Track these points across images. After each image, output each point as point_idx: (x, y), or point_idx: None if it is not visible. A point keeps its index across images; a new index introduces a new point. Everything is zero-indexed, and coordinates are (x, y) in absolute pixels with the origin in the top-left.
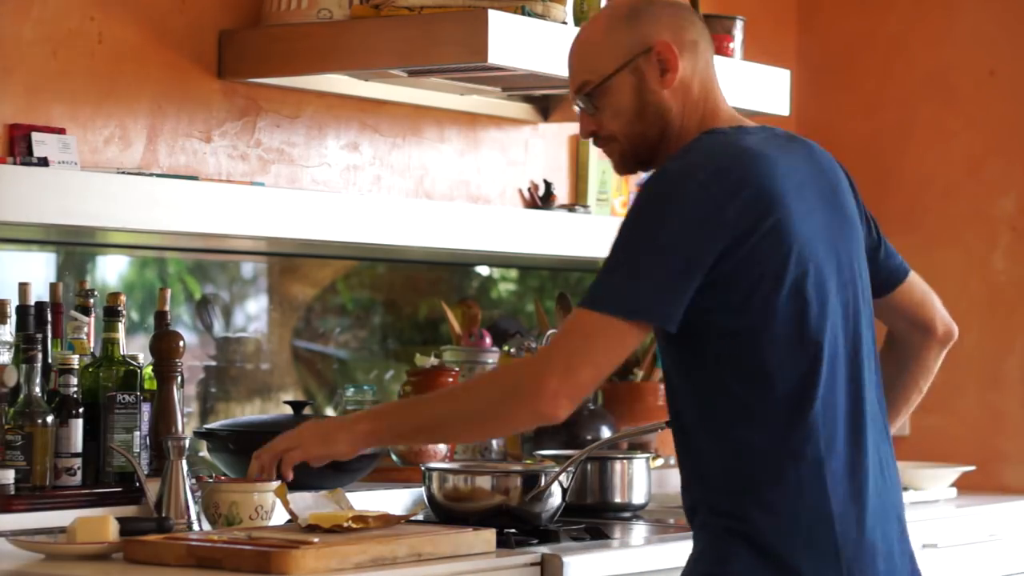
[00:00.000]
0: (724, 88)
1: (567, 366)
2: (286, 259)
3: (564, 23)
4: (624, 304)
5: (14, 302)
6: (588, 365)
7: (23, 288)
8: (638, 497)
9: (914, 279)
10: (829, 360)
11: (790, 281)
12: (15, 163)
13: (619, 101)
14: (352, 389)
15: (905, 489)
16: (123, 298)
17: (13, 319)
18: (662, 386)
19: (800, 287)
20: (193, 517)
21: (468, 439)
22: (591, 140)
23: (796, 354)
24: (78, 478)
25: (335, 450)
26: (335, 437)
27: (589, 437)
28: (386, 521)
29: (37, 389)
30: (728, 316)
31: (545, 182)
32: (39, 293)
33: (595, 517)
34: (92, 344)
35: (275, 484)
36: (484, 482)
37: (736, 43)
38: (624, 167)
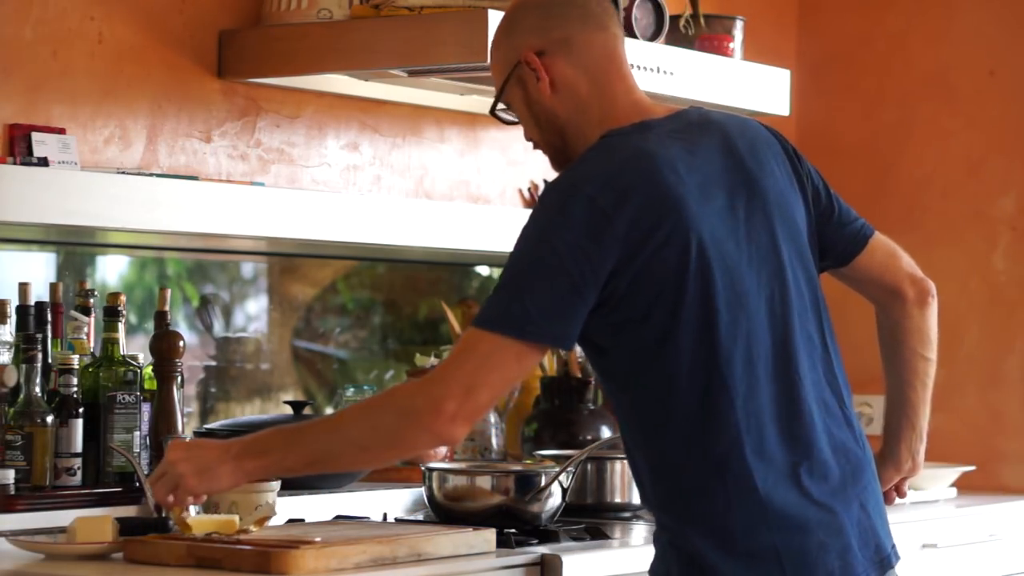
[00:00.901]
0: (736, 91)
1: (465, 388)
2: (286, 259)
3: None
4: (516, 324)
5: (14, 302)
6: (485, 387)
7: (23, 288)
8: (638, 497)
9: (877, 243)
10: (745, 364)
11: (693, 290)
12: (15, 163)
13: (519, 112)
14: (352, 389)
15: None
16: (123, 298)
17: (13, 319)
18: None
19: (706, 295)
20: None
21: (362, 467)
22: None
23: (706, 364)
24: (78, 478)
25: (216, 486)
26: (217, 473)
27: (589, 437)
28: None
29: (37, 389)
30: (632, 330)
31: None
32: (39, 293)
33: (595, 517)
34: (92, 344)
35: (276, 484)
36: (484, 482)
37: (736, 43)
38: (557, 169)
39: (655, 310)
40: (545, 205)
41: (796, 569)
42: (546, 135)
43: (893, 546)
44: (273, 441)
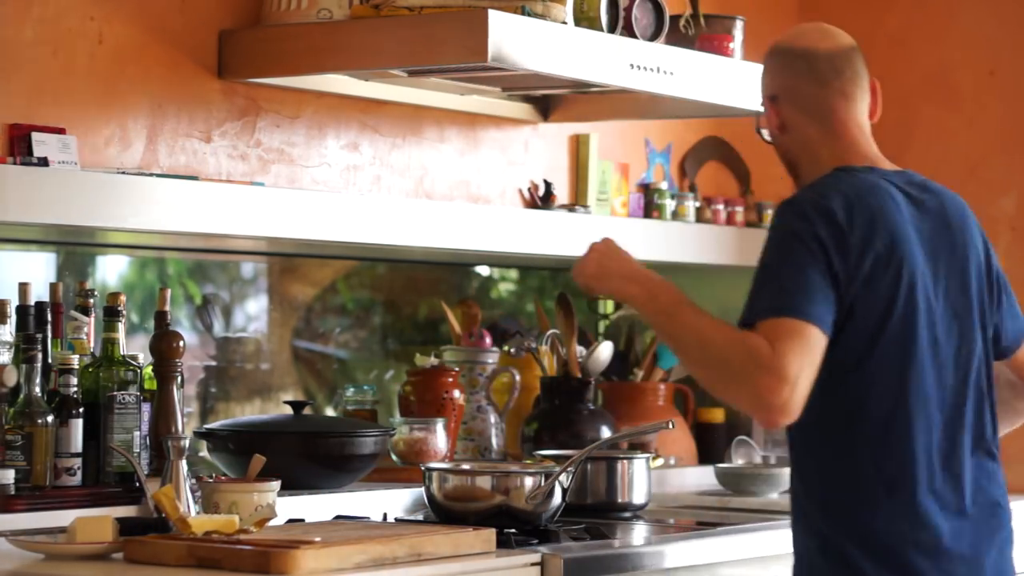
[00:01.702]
0: (736, 91)
1: (795, 379)
2: (286, 259)
3: (564, 23)
4: (800, 310)
5: (14, 302)
6: (805, 376)
7: (23, 288)
8: (638, 497)
9: None
10: (926, 402)
11: (896, 322)
12: (15, 163)
13: (770, 130)
14: (352, 389)
15: None
16: (123, 298)
17: (13, 319)
18: (662, 386)
19: (907, 330)
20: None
21: (696, 377)
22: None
23: (895, 393)
24: (78, 478)
25: (600, 286)
26: (610, 281)
27: (589, 437)
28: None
29: (37, 389)
30: (836, 344)
31: (545, 182)
32: (39, 293)
33: (595, 517)
34: (92, 344)
35: (276, 484)
36: (484, 482)
37: (736, 43)
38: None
39: (860, 331)
40: (788, 213)
41: None
42: (785, 164)
43: None
44: (664, 296)
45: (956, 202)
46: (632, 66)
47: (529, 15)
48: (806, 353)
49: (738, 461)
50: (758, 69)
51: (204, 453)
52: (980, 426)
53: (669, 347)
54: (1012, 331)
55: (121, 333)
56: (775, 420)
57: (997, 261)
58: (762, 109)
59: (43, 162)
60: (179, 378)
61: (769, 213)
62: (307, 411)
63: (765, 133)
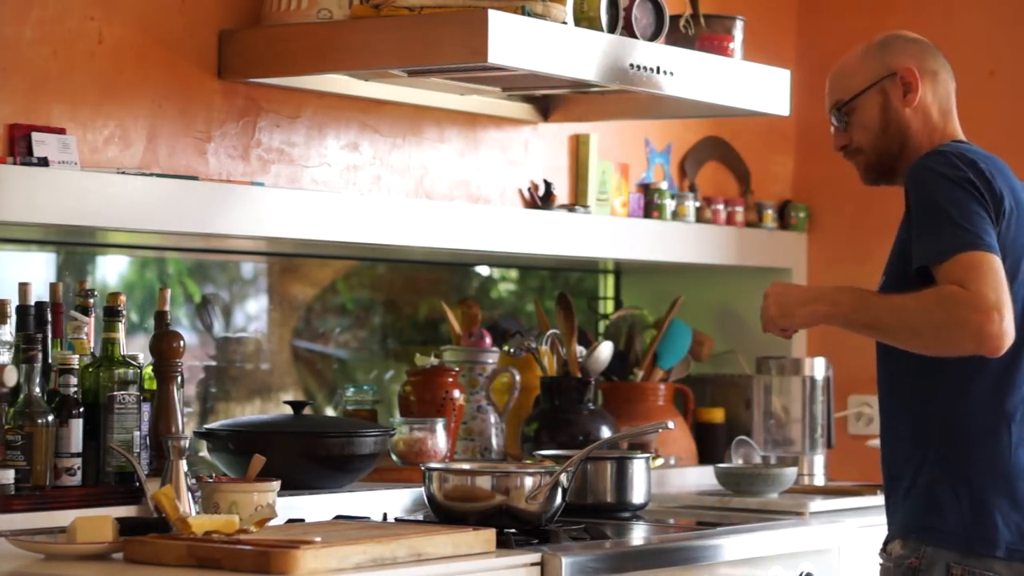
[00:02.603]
0: (736, 91)
1: (1004, 304)
2: (286, 259)
3: (564, 23)
4: (982, 243)
5: (14, 302)
6: (1005, 299)
7: (23, 288)
8: (638, 497)
9: None
10: None
11: (1022, 274)
12: (15, 163)
13: (867, 117)
14: (352, 389)
15: None
16: (123, 298)
17: (13, 319)
18: (662, 386)
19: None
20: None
21: (913, 348)
22: (841, 153)
23: (1018, 330)
24: (78, 478)
25: (791, 322)
26: (794, 311)
27: (589, 437)
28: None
29: (37, 389)
30: None
31: (545, 182)
32: (39, 293)
33: (595, 517)
34: (92, 344)
35: (276, 484)
36: (484, 482)
37: (736, 43)
38: (868, 178)
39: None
40: (938, 163)
41: None
42: (884, 140)
43: None
44: (845, 297)
45: None
46: (632, 66)
47: (529, 15)
48: (997, 279)
49: (738, 461)
50: (758, 69)
51: (204, 453)
52: None
53: (878, 338)
54: None
55: (121, 333)
56: (996, 348)
57: None
58: (877, 84)
59: (43, 162)
60: (179, 378)
61: (770, 213)
62: (307, 411)
63: (839, 116)
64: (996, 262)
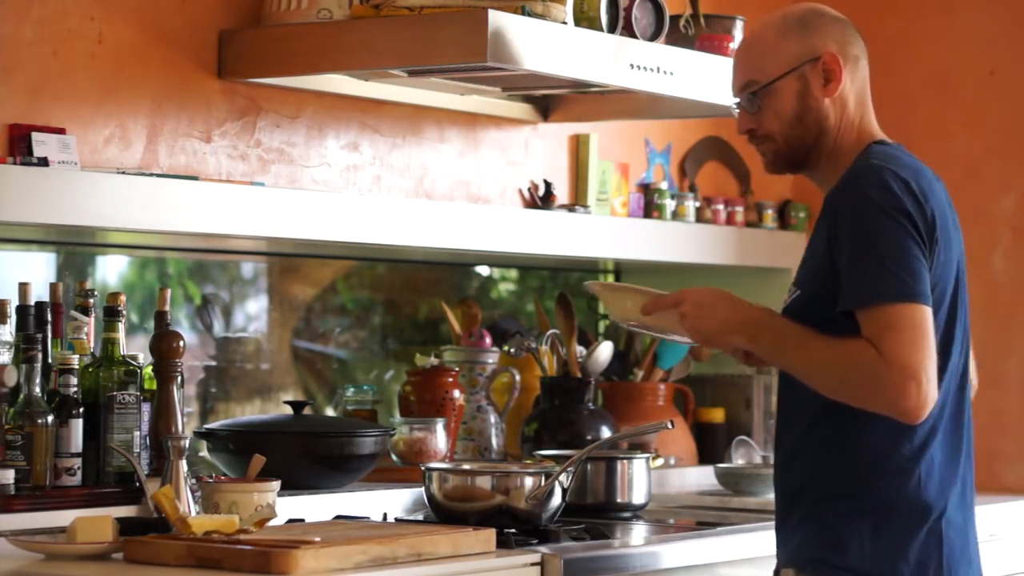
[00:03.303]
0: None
1: (922, 369)
2: (286, 259)
3: (564, 23)
4: (908, 293)
5: (14, 302)
6: (928, 359)
7: (23, 288)
8: (638, 497)
9: None
10: (952, 375)
11: (948, 303)
12: (15, 163)
13: (782, 103)
14: (352, 389)
15: None
16: (123, 298)
17: (13, 319)
18: (662, 386)
19: (953, 310)
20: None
21: (830, 396)
22: (747, 137)
23: (937, 356)
24: (78, 478)
25: (706, 341)
26: (713, 339)
27: (589, 437)
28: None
29: (37, 389)
30: None
31: (545, 182)
32: (39, 293)
33: (595, 517)
34: (92, 344)
35: (276, 484)
36: (484, 482)
37: (736, 43)
38: (775, 167)
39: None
40: (869, 184)
41: (949, 565)
42: (799, 131)
43: None
44: (766, 334)
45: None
46: (632, 66)
47: (529, 15)
48: (920, 338)
49: (738, 461)
50: None
51: (204, 453)
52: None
53: (801, 379)
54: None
55: (121, 333)
56: (913, 418)
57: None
58: (797, 68)
59: (43, 162)
60: (179, 378)
61: (770, 213)
62: (307, 411)
63: (749, 101)
64: (922, 315)
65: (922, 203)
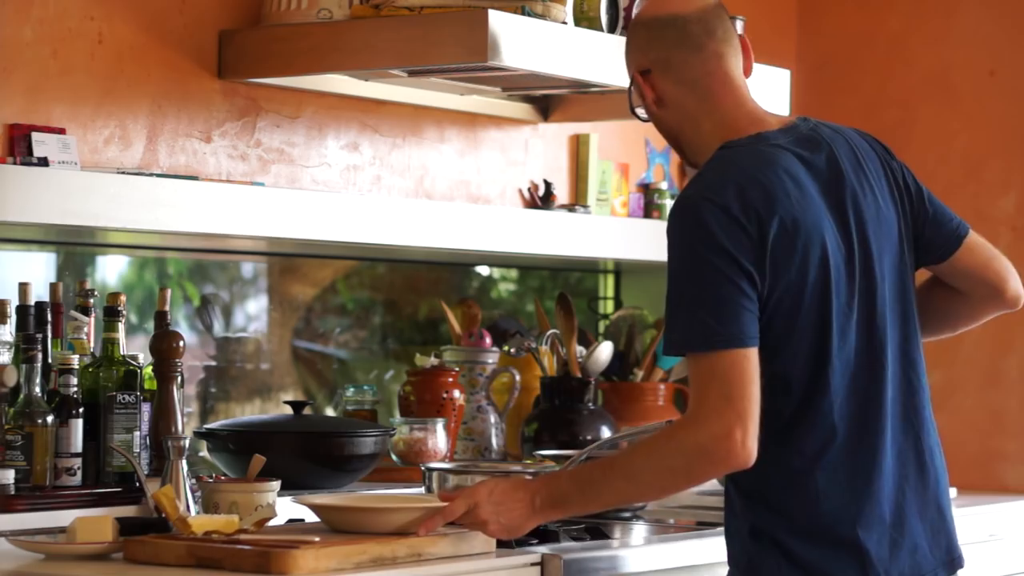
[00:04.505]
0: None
1: (737, 413)
2: (286, 259)
3: (564, 23)
4: (708, 339)
5: (14, 302)
6: (749, 400)
7: (23, 288)
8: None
9: (973, 242)
10: (843, 371)
11: (810, 299)
12: (15, 163)
13: (646, 106)
14: (352, 389)
15: None
16: (123, 298)
17: (13, 319)
18: (662, 386)
19: (823, 306)
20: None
21: (661, 499)
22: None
23: (814, 368)
24: (78, 478)
25: (515, 536)
26: (520, 528)
27: (589, 437)
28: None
29: (37, 389)
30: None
31: (545, 182)
32: (39, 293)
33: (595, 517)
34: (92, 344)
35: (276, 484)
36: None
37: None
38: (687, 166)
39: (777, 315)
40: (681, 221)
41: (874, 563)
42: (664, 133)
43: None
44: (571, 493)
45: (849, 143)
46: None
47: (529, 15)
48: (739, 387)
49: None
50: (758, 69)
51: (204, 453)
52: (905, 387)
53: (627, 504)
54: (939, 238)
55: (121, 333)
56: (747, 463)
57: (912, 178)
58: (631, 87)
59: (43, 162)
60: (179, 378)
61: None
62: (307, 411)
63: (640, 112)
64: (740, 360)
65: (747, 226)
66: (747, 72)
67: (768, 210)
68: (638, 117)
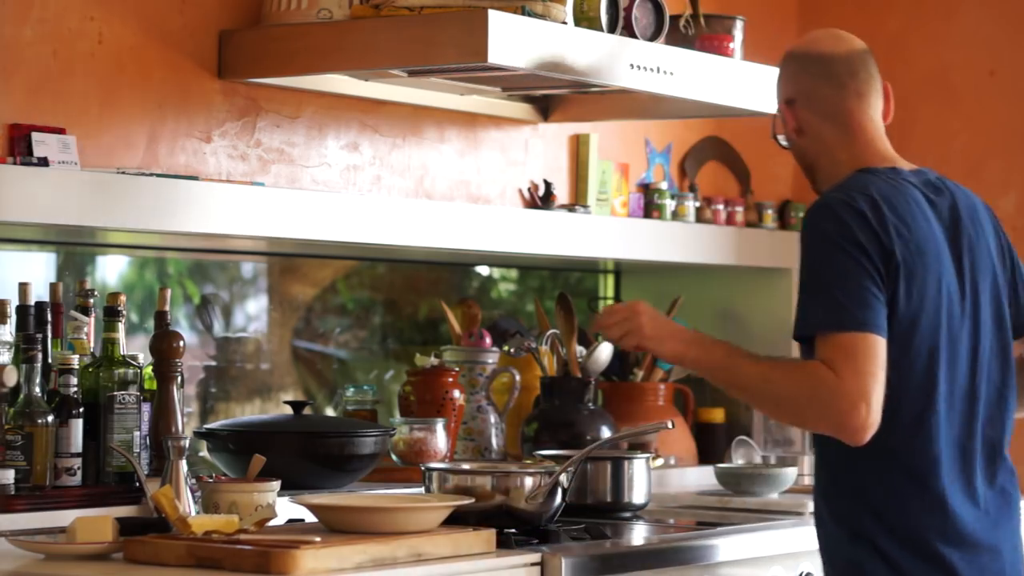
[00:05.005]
0: (736, 91)
1: (865, 390)
2: (286, 259)
3: (564, 23)
4: (860, 319)
5: (14, 302)
6: (876, 381)
7: (23, 288)
8: (638, 497)
9: None
10: (948, 396)
11: (926, 325)
12: (15, 163)
13: (786, 133)
14: (352, 389)
15: None
16: (123, 298)
17: (13, 319)
18: (662, 386)
19: (934, 332)
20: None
21: (774, 418)
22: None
23: (924, 390)
24: (78, 478)
25: (658, 349)
26: (665, 342)
27: (589, 437)
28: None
29: (37, 389)
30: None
31: (545, 182)
32: (39, 293)
33: (595, 517)
34: (92, 344)
35: (276, 484)
36: (484, 482)
37: (736, 43)
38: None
39: (894, 332)
40: (821, 216)
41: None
42: (802, 166)
43: None
44: (718, 352)
45: (968, 199)
46: (632, 66)
47: (529, 15)
48: (870, 366)
49: (738, 461)
50: (758, 69)
51: (204, 453)
52: (994, 420)
53: (738, 397)
54: (1017, 318)
55: (121, 333)
56: (858, 440)
57: (1014, 251)
58: (776, 114)
59: (43, 162)
60: (179, 378)
61: (770, 213)
62: (307, 411)
63: (781, 139)
64: (873, 344)
65: (880, 234)
66: (886, 116)
67: (898, 229)
68: (778, 143)
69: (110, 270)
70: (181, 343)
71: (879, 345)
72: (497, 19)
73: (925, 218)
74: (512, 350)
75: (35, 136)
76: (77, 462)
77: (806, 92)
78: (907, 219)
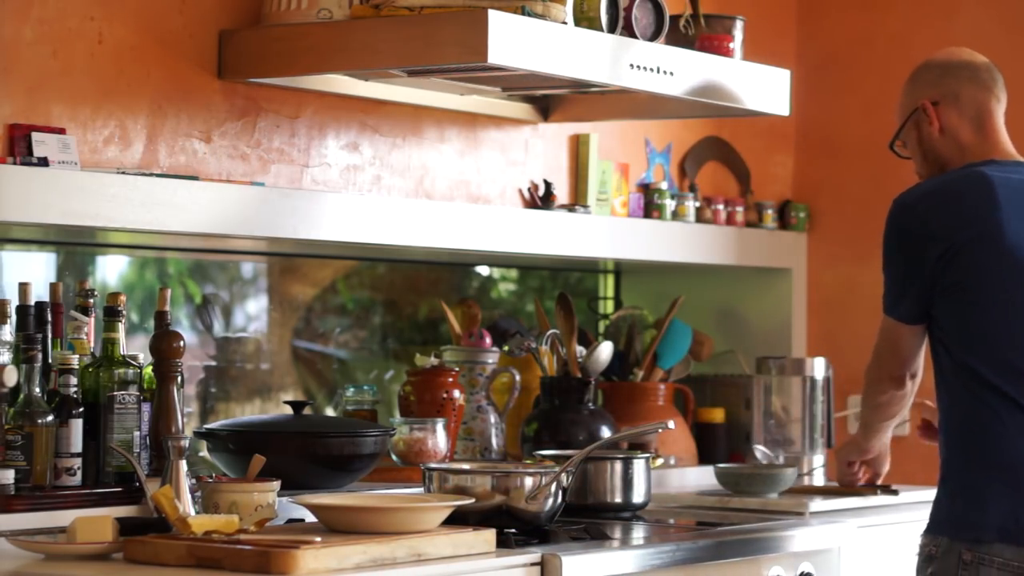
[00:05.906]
0: (735, 91)
1: (889, 370)
2: (286, 259)
3: (564, 23)
4: (890, 309)
5: (14, 302)
6: (895, 358)
7: (23, 288)
8: (638, 497)
9: None
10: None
11: (994, 285)
12: (15, 163)
13: (911, 147)
14: (352, 389)
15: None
16: (123, 298)
17: (13, 319)
18: (662, 386)
19: (1015, 290)
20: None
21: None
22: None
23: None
24: (78, 478)
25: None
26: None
27: (589, 437)
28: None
29: (37, 389)
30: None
31: (545, 182)
32: (39, 293)
33: (595, 517)
34: (92, 344)
35: (276, 484)
36: (484, 482)
37: (736, 43)
38: None
39: (964, 299)
40: (895, 211)
41: None
42: (927, 166)
43: None
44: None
45: None
46: (632, 66)
47: (529, 15)
48: (896, 349)
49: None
50: (758, 69)
51: (204, 453)
52: None
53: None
54: None
55: (121, 333)
56: (896, 401)
57: None
58: (907, 123)
59: (43, 162)
60: (179, 378)
61: (770, 213)
62: (307, 411)
63: (900, 149)
64: (901, 332)
65: (932, 226)
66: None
67: (955, 226)
68: (896, 153)
69: (110, 270)
70: (181, 343)
71: (906, 333)
72: (497, 19)
73: (1005, 191)
74: (512, 350)
75: (35, 136)
76: (77, 462)
77: (953, 93)
78: (969, 194)
